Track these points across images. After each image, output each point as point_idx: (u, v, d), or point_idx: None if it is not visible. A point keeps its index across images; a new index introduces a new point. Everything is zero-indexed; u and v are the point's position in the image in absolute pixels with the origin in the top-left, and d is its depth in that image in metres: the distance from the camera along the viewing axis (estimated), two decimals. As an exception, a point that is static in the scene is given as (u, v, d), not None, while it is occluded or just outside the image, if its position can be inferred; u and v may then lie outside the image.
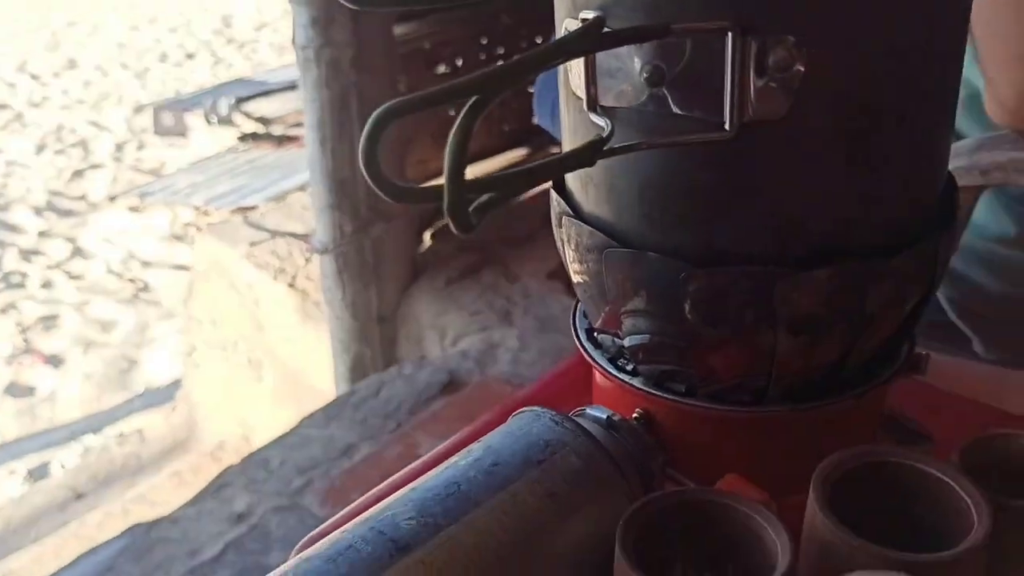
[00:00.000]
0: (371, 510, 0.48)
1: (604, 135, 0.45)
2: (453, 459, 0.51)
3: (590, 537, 0.48)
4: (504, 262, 2.09)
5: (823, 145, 0.46)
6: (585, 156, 0.44)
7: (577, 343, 0.59)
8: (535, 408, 0.53)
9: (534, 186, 0.42)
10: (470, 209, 0.38)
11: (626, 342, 0.54)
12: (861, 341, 0.51)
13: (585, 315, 0.61)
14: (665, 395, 0.54)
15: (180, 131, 4.99)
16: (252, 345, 2.55)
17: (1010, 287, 0.91)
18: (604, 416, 0.53)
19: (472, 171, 0.36)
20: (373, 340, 2.00)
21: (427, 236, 2.10)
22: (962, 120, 0.91)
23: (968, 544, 0.43)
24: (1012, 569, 0.47)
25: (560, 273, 2.04)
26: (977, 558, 0.43)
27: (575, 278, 0.56)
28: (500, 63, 0.42)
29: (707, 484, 0.53)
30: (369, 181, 0.34)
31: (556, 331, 1.83)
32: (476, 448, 0.51)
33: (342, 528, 0.47)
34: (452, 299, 2.02)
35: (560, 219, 0.55)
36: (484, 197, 0.41)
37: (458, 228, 0.38)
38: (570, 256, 0.55)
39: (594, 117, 0.47)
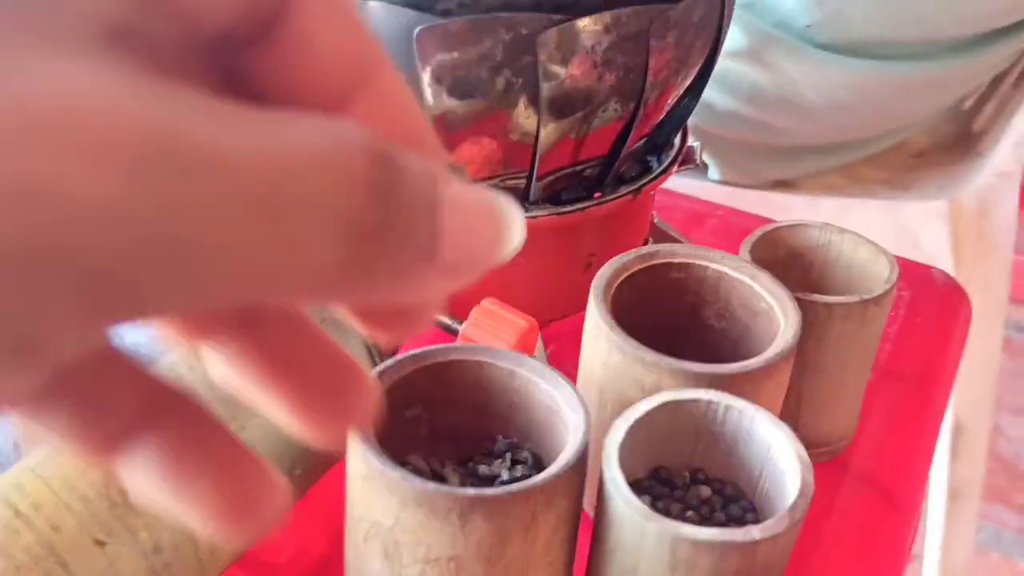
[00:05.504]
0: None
1: None
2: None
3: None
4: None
5: None
6: None
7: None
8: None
9: None
10: None
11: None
12: (640, 120, 0.41)
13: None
14: (402, 206, 0.42)
15: None
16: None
17: (738, 103, 0.87)
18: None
19: None
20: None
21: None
22: None
23: (778, 349, 0.36)
24: (812, 370, 0.41)
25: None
26: (788, 362, 0.36)
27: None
28: None
29: (461, 314, 0.43)
30: None
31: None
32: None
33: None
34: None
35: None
36: None
37: None
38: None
39: None
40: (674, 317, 0.41)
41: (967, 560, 1.07)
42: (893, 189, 0.99)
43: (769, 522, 0.29)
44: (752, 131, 0.88)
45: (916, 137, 1.04)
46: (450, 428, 0.36)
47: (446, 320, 0.43)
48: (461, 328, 0.41)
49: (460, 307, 0.42)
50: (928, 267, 0.57)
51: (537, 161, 0.40)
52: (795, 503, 0.30)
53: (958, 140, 1.06)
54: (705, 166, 0.94)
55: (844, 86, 0.84)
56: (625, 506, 0.30)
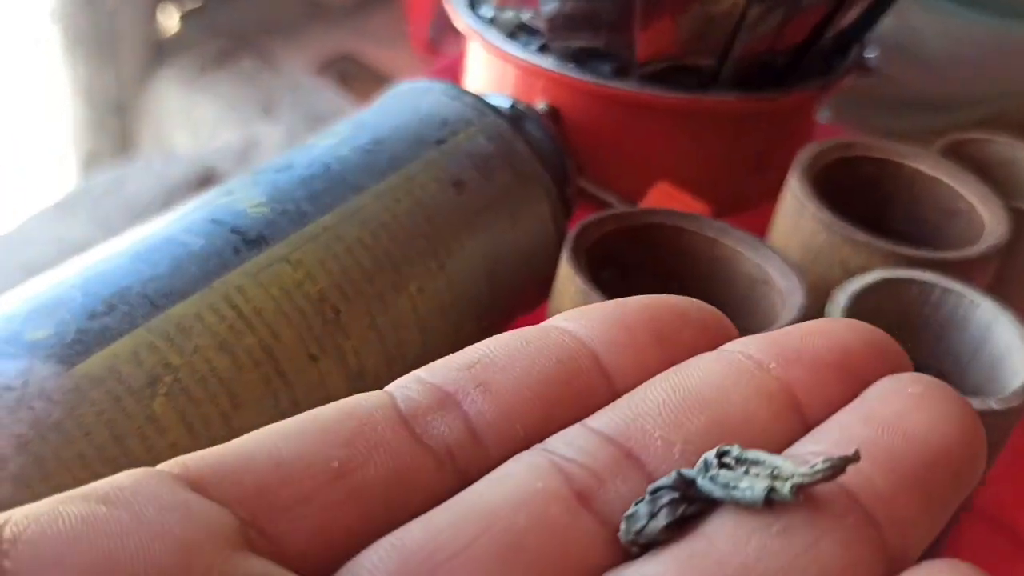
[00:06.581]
0: (194, 201, 0.33)
1: None
2: (308, 142, 0.36)
3: (504, 243, 0.35)
4: (266, 50, 1.85)
5: None
6: None
7: (456, 16, 0.45)
8: (420, 81, 0.38)
9: None
10: None
11: (544, 7, 0.40)
12: (837, 16, 0.40)
13: (465, -13, 0.46)
14: (588, 78, 0.41)
15: None
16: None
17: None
18: (507, 104, 0.40)
19: None
20: (111, 133, 1.72)
21: (174, 17, 1.81)
22: None
23: (993, 241, 0.35)
24: (1001, 280, 0.40)
25: (332, 66, 1.84)
26: (998, 256, 0.35)
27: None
28: None
29: (629, 196, 0.42)
30: None
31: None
32: (342, 127, 0.36)
33: (154, 222, 0.32)
34: (205, 89, 1.76)
35: None
36: None
37: None
38: None
39: None
40: (861, 214, 0.40)
41: None
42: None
43: (1008, 394, 0.28)
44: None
45: (1016, 111, 1.02)
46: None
47: (617, 202, 0.42)
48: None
49: (632, 192, 0.41)
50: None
51: (737, 40, 0.39)
52: (1034, 382, 0.29)
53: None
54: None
55: (967, 40, 0.82)
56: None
